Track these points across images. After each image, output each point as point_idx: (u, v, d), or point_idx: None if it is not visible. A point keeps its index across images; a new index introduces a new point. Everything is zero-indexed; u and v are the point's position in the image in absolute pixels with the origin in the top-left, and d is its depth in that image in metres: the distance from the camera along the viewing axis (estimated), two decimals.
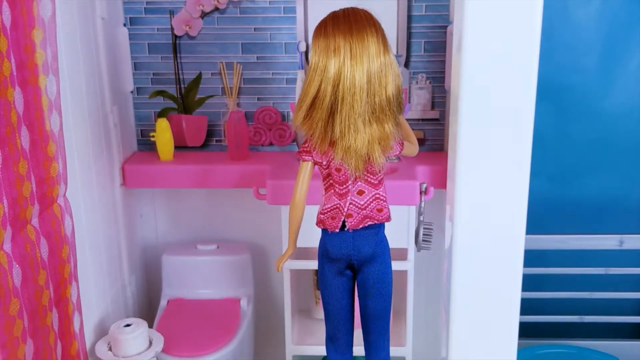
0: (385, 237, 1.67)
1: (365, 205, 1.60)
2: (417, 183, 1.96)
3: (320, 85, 1.45)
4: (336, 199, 1.59)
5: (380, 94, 1.46)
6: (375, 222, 1.62)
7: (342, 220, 1.60)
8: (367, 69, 1.44)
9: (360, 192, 1.59)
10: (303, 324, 2.32)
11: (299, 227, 1.67)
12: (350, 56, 1.43)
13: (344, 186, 1.58)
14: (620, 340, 2.38)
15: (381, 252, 1.65)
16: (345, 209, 1.59)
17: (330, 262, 1.66)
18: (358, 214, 1.60)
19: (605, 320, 2.35)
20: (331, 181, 1.59)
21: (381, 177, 1.59)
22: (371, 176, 1.58)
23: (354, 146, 1.48)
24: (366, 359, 1.77)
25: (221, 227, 2.43)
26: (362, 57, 1.43)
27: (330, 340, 1.75)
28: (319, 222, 1.63)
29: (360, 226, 1.61)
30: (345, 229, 1.61)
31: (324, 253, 1.66)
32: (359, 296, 1.70)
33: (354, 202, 1.59)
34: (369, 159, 1.51)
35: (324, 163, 1.57)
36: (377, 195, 1.60)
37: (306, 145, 1.56)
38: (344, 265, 1.66)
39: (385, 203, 1.61)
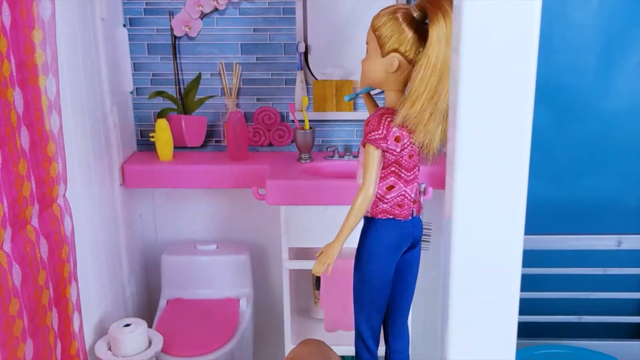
0: None
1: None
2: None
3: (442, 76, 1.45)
4: (402, 186, 1.57)
5: None
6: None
7: (411, 207, 1.59)
8: None
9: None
10: (302, 324, 2.32)
11: None
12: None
13: (412, 172, 1.57)
14: (618, 340, 2.38)
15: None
16: (413, 196, 1.59)
17: (394, 252, 1.61)
18: (418, 199, 1.62)
19: (603, 320, 2.35)
20: (395, 168, 1.55)
21: None
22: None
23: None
24: (390, 342, 1.76)
25: (221, 227, 2.43)
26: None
27: (371, 339, 1.69)
28: (383, 212, 1.58)
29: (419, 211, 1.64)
30: (413, 215, 1.61)
31: (388, 243, 1.59)
32: (400, 280, 1.67)
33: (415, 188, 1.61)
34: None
35: (397, 150, 1.53)
36: None
37: (379, 132, 1.50)
38: (402, 253, 1.63)
39: None
